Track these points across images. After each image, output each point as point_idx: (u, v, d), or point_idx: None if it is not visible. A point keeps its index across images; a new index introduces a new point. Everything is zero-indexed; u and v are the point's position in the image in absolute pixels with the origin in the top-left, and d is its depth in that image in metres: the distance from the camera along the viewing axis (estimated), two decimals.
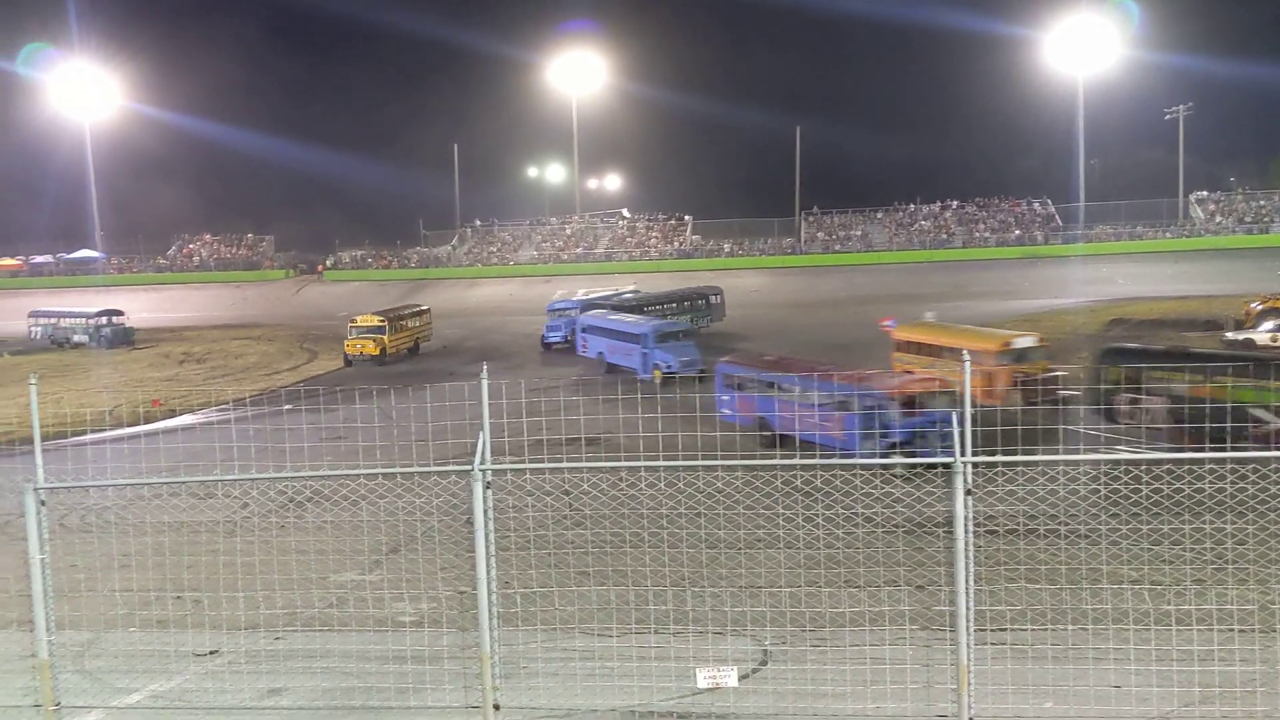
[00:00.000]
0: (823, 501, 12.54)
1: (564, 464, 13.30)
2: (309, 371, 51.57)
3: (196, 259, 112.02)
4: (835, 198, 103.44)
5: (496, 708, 10.28)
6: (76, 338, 65.98)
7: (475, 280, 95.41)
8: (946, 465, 9.66)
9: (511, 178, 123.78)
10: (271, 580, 12.74)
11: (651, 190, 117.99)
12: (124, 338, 66.17)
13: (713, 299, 58.80)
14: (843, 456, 22.91)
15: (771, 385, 29.40)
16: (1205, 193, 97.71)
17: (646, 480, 15.23)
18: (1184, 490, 12.44)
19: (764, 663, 12.72)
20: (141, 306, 76.87)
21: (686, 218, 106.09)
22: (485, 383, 10.48)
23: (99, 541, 18.25)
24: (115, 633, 14.22)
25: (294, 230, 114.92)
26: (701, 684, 10.78)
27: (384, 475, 14.45)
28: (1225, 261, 75.31)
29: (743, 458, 13.05)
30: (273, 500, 20.98)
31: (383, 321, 53.67)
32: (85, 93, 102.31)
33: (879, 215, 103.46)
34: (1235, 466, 11.47)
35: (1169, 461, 11.94)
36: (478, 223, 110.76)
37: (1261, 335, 42.92)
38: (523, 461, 14.76)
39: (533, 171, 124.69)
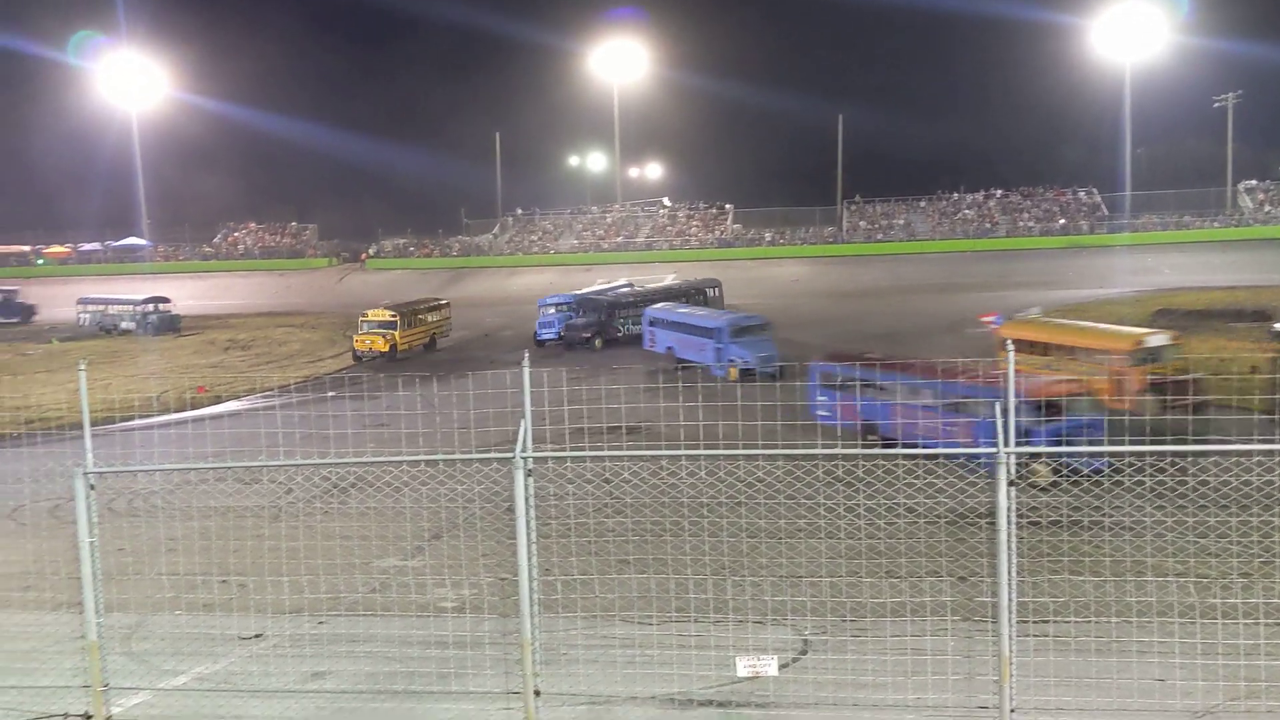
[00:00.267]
0: (864, 491, 12.48)
1: (605, 452, 13.34)
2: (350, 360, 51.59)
3: (241, 247, 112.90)
4: (878, 186, 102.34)
5: (537, 693, 10.34)
6: (124, 324, 66.74)
7: (515, 269, 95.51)
8: (990, 456, 9.64)
9: (553, 166, 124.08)
10: (315, 565, 12.85)
11: (693, 179, 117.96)
12: (170, 324, 66.80)
13: (710, 292, 57.03)
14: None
15: (882, 386, 26.13)
16: (1254, 182, 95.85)
17: (687, 469, 15.26)
18: (1231, 483, 12.30)
19: (804, 652, 12.70)
20: (187, 294, 77.61)
21: (727, 206, 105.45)
22: (527, 371, 10.55)
23: (146, 525, 18.49)
24: (162, 616, 14.42)
25: (337, 219, 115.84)
26: (742, 672, 10.79)
27: (426, 462, 14.52)
28: (1274, 251, 73.92)
29: (784, 448, 12.99)
30: (316, 486, 21.16)
31: (394, 316, 50.73)
32: (132, 81, 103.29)
33: (922, 204, 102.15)
34: None
35: (1215, 454, 11.77)
36: (519, 211, 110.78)
37: None
38: (563, 449, 14.80)
39: (574, 160, 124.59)
